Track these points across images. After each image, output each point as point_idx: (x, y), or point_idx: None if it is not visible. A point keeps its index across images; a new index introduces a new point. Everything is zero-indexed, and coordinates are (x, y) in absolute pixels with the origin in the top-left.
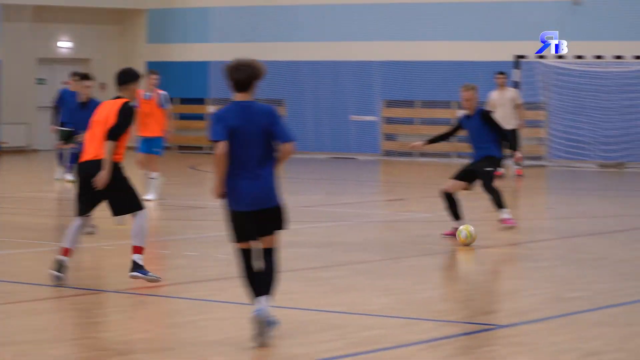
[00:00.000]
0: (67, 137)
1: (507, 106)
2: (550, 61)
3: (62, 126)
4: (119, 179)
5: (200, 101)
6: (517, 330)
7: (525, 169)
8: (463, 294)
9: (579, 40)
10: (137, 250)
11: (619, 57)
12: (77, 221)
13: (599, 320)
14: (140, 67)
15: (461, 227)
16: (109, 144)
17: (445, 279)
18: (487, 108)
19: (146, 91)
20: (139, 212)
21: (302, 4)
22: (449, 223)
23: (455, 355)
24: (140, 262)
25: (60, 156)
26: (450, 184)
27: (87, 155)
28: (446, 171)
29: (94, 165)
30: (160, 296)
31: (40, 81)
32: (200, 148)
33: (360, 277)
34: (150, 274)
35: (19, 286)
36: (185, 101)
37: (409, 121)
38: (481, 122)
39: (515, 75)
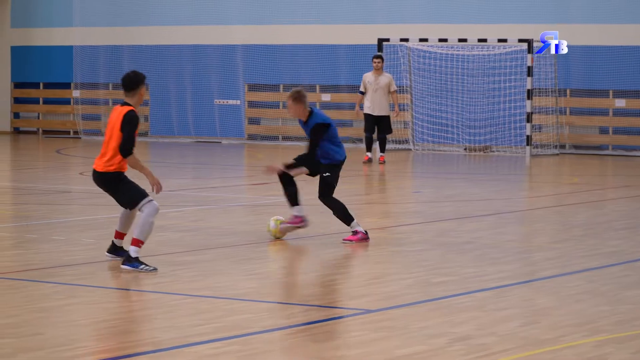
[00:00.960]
0: None
1: (380, 92)
2: (414, 44)
3: None
4: (122, 183)
5: (65, 85)
6: (386, 315)
7: (391, 153)
8: (330, 279)
9: (443, 23)
10: (135, 242)
11: (483, 40)
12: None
13: (468, 304)
14: (4, 52)
15: (272, 219)
16: (130, 160)
17: (311, 264)
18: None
19: None
20: (146, 205)
21: None
22: (313, 207)
23: (324, 340)
24: (134, 255)
25: None
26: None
27: (97, 166)
28: None
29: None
30: (28, 280)
31: None
32: (66, 132)
33: (226, 262)
34: (143, 266)
35: None
36: (49, 85)
37: (273, 105)
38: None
39: None
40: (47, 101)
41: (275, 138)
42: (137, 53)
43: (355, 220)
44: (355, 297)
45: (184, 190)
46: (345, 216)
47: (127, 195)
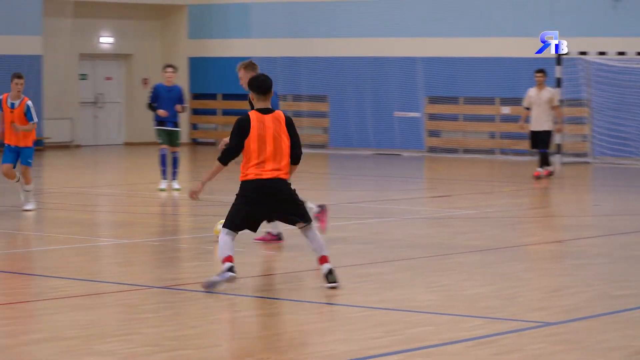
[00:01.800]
0: (165, 139)
1: (543, 106)
2: (592, 57)
3: (160, 125)
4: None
5: (243, 97)
6: (565, 328)
7: (569, 166)
8: (510, 291)
9: (620, 36)
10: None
11: None
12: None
13: None
14: (181, 63)
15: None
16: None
17: (491, 276)
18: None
19: (11, 99)
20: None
21: (345, 0)
22: (491, 220)
23: (504, 352)
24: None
25: (164, 160)
26: None
27: (279, 173)
28: (490, 168)
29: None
30: (208, 292)
31: (83, 76)
32: None
33: (407, 274)
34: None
35: (65, 281)
36: (228, 97)
37: (453, 117)
38: None
39: (557, 71)
40: (225, 112)
41: (455, 151)
42: (315, 64)
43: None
44: (535, 310)
45: (364, 203)
46: None
47: (296, 203)
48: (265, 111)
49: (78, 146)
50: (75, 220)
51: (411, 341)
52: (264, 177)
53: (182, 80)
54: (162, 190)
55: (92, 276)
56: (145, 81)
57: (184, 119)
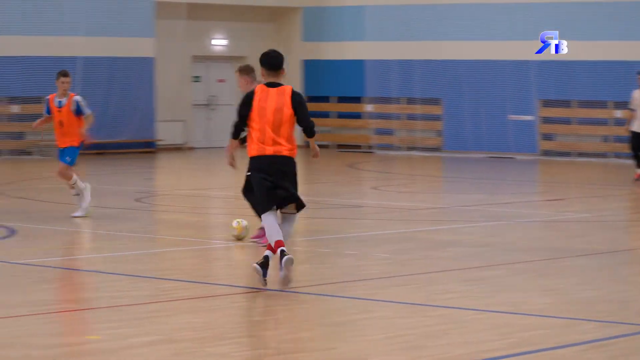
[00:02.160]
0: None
1: None
2: None
3: None
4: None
5: (357, 100)
6: None
7: None
8: (624, 295)
9: None
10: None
11: None
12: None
13: None
14: (295, 65)
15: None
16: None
17: (605, 280)
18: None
19: (58, 97)
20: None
21: (460, 3)
22: (605, 223)
23: (617, 356)
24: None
25: None
26: None
27: (281, 149)
28: (604, 171)
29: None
30: (321, 295)
31: (196, 79)
32: (358, 147)
33: (520, 277)
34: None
35: (178, 284)
36: (342, 99)
37: (566, 121)
38: None
39: None
40: (340, 115)
41: (569, 154)
42: (429, 67)
43: None
44: None
45: (478, 206)
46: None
47: (295, 187)
48: (271, 85)
49: (191, 148)
50: (188, 222)
51: (525, 344)
52: (267, 153)
53: (295, 82)
54: None
55: (206, 278)
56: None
57: None
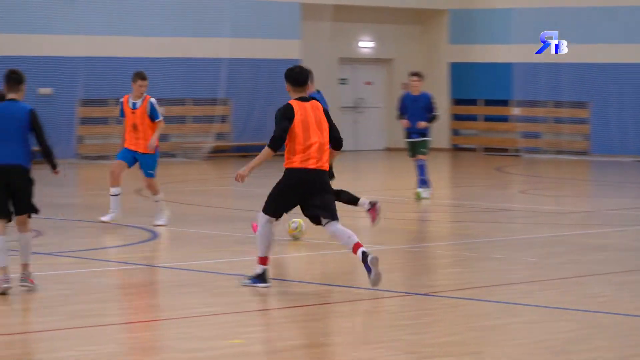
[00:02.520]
0: (414, 149)
1: None
2: None
3: (408, 137)
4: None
5: (504, 103)
6: None
7: None
8: None
9: None
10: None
11: None
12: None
13: None
14: (442, 68)
15: (295, 219)
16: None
17: None
18: None
19: (133, 98)
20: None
21: (613, 5)
22: None
23: None
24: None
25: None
26: None
27: (323, 164)
28: None
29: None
30: (467, 299)
31: (343, 81)
32: (505, 150)
33: None
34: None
35: (326, 287)
36: (489, 103)
37: None
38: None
39: None
40: (487, 118)
41: None
42: (577, 71)
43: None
44: None
45: (625, 210)
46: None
47: (333, 200)
48: (304, 99)
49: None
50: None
51: None
52: (310, 166)
53: (442, 85)
54: (423, 198)
55: (351, 282)
56: (404, 86)
57: (444, 124)
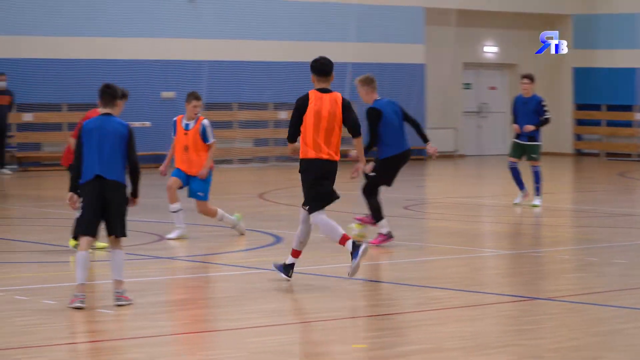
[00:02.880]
0: (517, 152)
1: None
2: None
3: (517, 138)
4: None
5: (627, 108)
6: None
7: None
8: None
9: None
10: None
11: None
12: None
13: None
14: (566, 73)
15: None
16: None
17: None
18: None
19: (186, 119)
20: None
21: None
22: None
23: None
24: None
25: (515, 173)
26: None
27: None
28: None
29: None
30: (588, 304)
31: (467, 86)
32: (628, 155)
33: None
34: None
35: (447, 292)
36: (612, 108)
37: None
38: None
39: None
40: (610, 123)
41: None
42: None
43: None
44: None
45: None
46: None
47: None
48: (324, 91)
49: (462, 156)
50: (458, 230)
51: None
52: (323, 157)
53: (566, 90)
54: (515, 204)
55: (474, 287)
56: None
57: (567, 129)
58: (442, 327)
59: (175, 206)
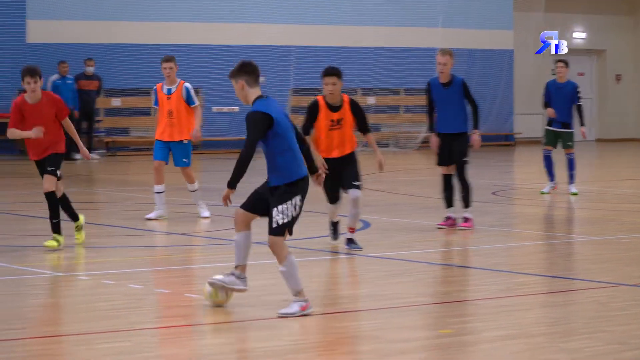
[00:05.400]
0: (552, 140)
1: None
2: None
3: (549, 125)
4: None
5: None
6: None
7: None
8: None
9: None
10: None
11: None
12: None
13: None
14: None
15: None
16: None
17: None
18: None
19: (166, 84)
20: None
21: None
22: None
23: None
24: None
25: (548, 162)
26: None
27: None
28: None
29: None
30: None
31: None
32: None
33: None
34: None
35: (534, 278)
36: None
37: None
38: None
39: None
40: None
41: None
42: None
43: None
44: None
45: None
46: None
47: None
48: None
49: None
50: (545, 216)
51: None
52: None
53: None
54: (543, 193)
55: (561, 273)
56: (618, 77)
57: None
58: (528, 312)
59: (159, 187)
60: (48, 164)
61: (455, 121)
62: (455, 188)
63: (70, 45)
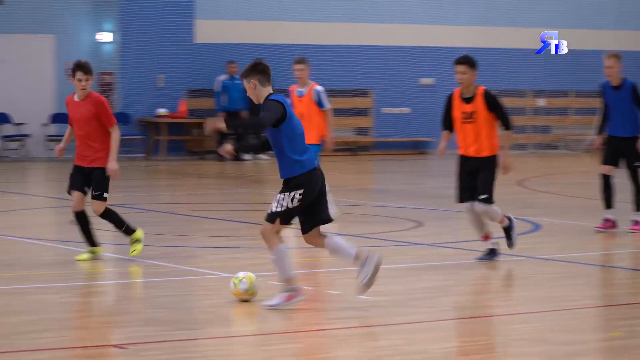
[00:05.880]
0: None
1: None
2: None
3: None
4: None
5: None
6: None
7: None
8: None
9: None
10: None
11: None
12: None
13: None
14: None
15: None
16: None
17: None
18: None
19: (298, 86)
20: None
21: None
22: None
23: None
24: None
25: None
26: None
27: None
28: None
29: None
30: None
31: None
32: None
33: None
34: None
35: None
36: None
37: None
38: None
39: None
40: None
41: None
42: None
43: None
44: None
45: None
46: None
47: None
48: None
49: None
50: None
51: None
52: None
53: None
54: None
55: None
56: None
57: None
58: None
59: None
60: (94, 187)
61: (625, 125)
62: (614, 190)
63: (236, 45)
